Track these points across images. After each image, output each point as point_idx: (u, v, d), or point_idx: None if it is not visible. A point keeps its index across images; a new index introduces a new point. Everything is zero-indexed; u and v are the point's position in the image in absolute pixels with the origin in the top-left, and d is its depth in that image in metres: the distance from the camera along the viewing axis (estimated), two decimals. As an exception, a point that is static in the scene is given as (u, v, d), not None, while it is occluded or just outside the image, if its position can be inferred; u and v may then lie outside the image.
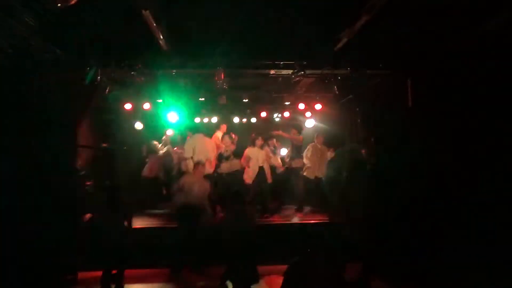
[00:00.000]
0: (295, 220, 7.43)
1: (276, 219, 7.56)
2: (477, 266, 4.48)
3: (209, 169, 7.38)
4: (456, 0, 4.42)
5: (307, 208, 8.34)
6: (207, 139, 8.02)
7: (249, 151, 8.09)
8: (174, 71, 6.48)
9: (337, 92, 6.95)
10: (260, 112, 10.03)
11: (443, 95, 6.10)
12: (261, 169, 7.91)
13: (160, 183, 9.36)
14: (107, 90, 6.55)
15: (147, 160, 9.60)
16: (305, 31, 5.42)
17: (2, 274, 4.97)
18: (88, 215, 6.61)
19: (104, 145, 9.18)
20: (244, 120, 10.68)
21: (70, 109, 5.76)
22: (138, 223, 7.05)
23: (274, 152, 8.93)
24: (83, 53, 5.96)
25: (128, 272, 5.69)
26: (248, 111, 10.08)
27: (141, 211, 8.28)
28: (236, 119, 10.47)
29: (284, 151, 9.31)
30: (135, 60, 6.18)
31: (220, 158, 8.01)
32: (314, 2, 4.70)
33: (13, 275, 5.02)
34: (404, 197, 5.65)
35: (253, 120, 10.66)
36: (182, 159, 8.25)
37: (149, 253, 6.21)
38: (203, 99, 8.68)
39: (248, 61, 6.39)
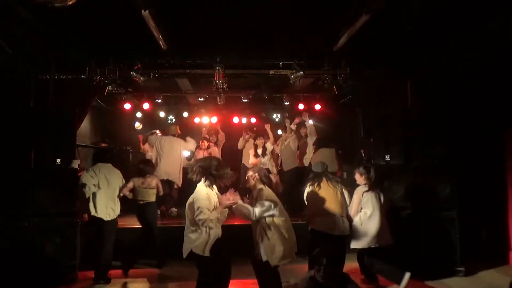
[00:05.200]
0: None
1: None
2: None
3: None
4: (456, 0, 4.43)
5: None
6: None
7: None
8: (174, 71, 6.50)
9: (336, 92, 6.95)
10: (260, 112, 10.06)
11: (443, 95, 6.12)
12: None
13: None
14: (107, 90, 6.55)
15: None
16: (305, 30, 5.42)
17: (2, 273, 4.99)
18: (87, 215, 6.60)
19: (104, 145, 9.19)
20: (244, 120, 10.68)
21: (70, 109, 5.75)
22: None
23: None
24: (83, 53, 5.97)
25: (128, 272, 5.71)
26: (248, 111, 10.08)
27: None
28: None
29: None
30: (135, 60, 6.19)
31: None
32: (314, 2, 4.70)
33: (13, 273, 5.03)
34: (403, 196, 5.65)
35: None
36: None
37: (148, 253, 6.20)
38: (202, 99, 8.69)
39: (248, 61, 6.40)
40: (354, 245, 4.89)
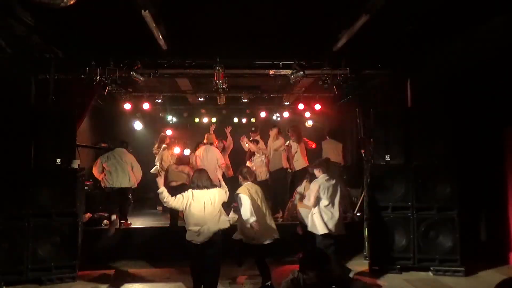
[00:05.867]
0: None
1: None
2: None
3: None
4: (456, 0, 4.43)
5: None
6: None
7: None
8: (174, 71, 6.50)
9: (336, 92, 6.95)
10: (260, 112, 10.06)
11: (443, 95, 6.11)
12: None
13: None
14: (107, 90, 6.55)
15: None
16: (305, 31, 5.42)
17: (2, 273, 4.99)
18: (88, 215, 6.62)
19: (104, 145, 9.18)
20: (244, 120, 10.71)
21: (70, 109, 5.75)
22: (138, 223, 7.07)
23: None
24: (83, 53, 5.97)
25: (128, 272, 5.72)
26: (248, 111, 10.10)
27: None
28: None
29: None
30: (135, 60, 6.19)
31: None
32: (314, 2, 4.70)
33: (13, 273, 5.03)
34: (403, 196, 5.66)
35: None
36: None
37: (148, 253, 6.21)
38: (202, 99, 8.69)
39: (248, 61, 6.40)
40: (311, 229, 5.08)
